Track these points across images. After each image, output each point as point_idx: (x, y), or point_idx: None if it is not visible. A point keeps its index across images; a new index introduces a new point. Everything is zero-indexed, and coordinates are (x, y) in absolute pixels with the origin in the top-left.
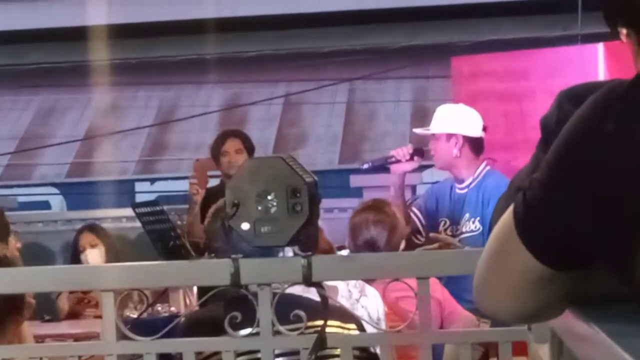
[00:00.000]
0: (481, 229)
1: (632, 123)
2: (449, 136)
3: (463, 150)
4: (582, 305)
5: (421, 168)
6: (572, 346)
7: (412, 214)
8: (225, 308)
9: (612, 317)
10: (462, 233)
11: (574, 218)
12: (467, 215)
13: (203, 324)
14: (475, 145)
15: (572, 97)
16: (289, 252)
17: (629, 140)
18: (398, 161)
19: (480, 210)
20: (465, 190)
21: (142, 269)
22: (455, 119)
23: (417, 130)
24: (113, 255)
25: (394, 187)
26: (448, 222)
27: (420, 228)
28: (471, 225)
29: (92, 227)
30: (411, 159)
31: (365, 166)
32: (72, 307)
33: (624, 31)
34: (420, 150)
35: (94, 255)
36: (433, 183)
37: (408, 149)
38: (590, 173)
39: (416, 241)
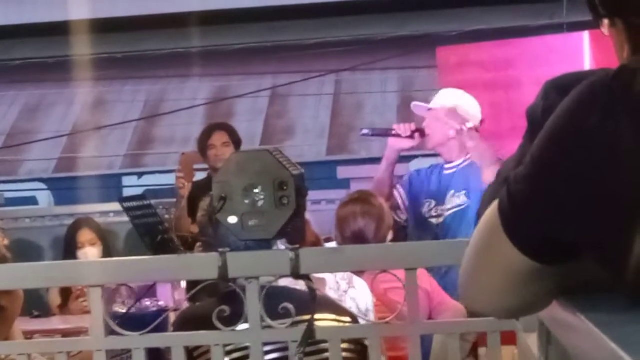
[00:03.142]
0: (467, 201)
1: (616, 116)
2: (450, 112)
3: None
4: (569, 295)
5: (409, 158)
6: (559, 336)
7: (395, 192)
8: (219, 304)
9: (599, 306)
10: (447, 210)
11: (559, 213)
12: (452, 192)
13: (197, 320)
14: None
15: (557, 87)
16: (281, 245)
17: (613, 132)
18: (398, 135)
19: (467, 184)
20: (454, 170)
21: (130, 263)
22: (457, 98)
23: (417, 104)
24: (107, 251)
25: (385, 161)
26: (433, 203)
27: (402, 205)
28: (457, 200)
29: (90, 224)
30: (411, 136)
31: (365, 131)
32: (63, 301)
33: (606, 22)
34: (422, 130)
35: (94, 255)
36: (417, 170)
37: (410, 126)
38: (574, 167)
39: (396, 219)
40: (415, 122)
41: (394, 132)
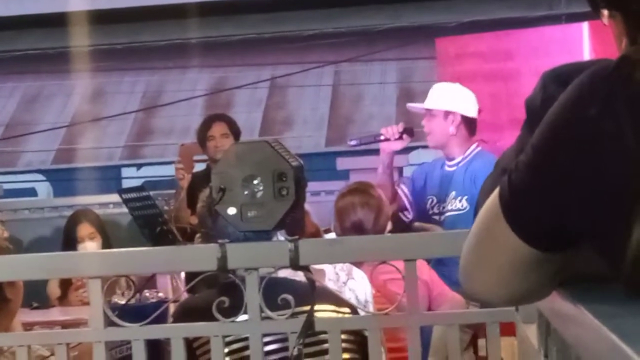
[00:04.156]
0: (468, 207)
1: (617, 106)
2: (447, 114)
3: (459, 130)
4: (568, 286)
5: (408, 150)
6: (558, 327)
7: (399, 191)
8: (218, 295)
9: (599, 297)
10: (447, 211)
11: (560, 201)
12: (453, 193)
13: (197, 311)
14: (470, 126)
15: (556, 78)
16: (280, 236)
17: (613, 123)
18: (387, 139)
19: (468, 189)
20: (454, 168)
21: (130, 255)
22: (454, 97)
23: (413, 105)
24: (107, 244)
25: (382, 165)
26: (435, 200)
27: (408, 205)
28: (457, 204)
29: (89, 217)
30: (400, 137)
31: (353, 142)
32: (63, 292)
33: (605, 13)
34: (410, 130)
35: (93, 249)
36: (420, 164)
37: (398, 127)
38: (575, 157)
39: (404, 218)
40: (412, 115)
41: (382, 137)
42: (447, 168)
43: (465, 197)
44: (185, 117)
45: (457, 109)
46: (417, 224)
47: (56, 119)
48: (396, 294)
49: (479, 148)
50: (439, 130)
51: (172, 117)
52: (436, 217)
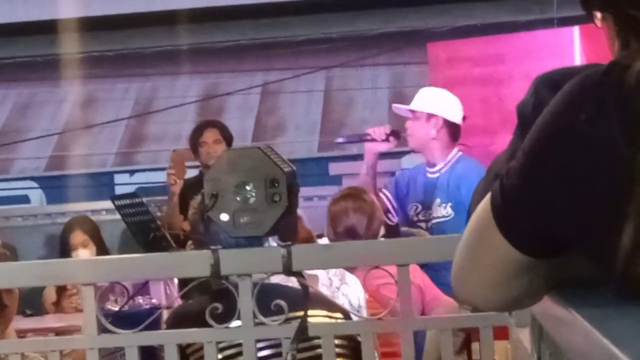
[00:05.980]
0: (453, 214)
1: (607, 111)
2: (429, 116)
3: (440, 133)
4: (561, 290)
5: (400, 154)
6: (551, 330)
7: (381, 195)
8: (211, 301)
9: (590, 301)
10: (433, 218)
11: (551, 208)
12: (438, 200)
13: (190, 318)
14: (453, 131)
15: (548, 82)
16: (273, 242)
17: (604, 128)
18: (373, 140)
19: (452, 195)
20: (437, 175)
21: (123, 261)
22: (438, 101)
23: (397, 106)
24: (102, 250)
25: (366, 166)
26: (420, 207)
27: (391, 208)
28: (442, 211)
29: (83, 225)
30: (387, 139)
31: (340, 140)
32: (58, 299)
33: (598, 15)
34: (397, 132)
35: (86, 256)
36: (403, 170)
37: (385, 129)
38: (565, 163)
39: (388, 222)
40: (403, 120)
41: (368, 137)
42: (429, 175)
43: (450, 203)
44: (177, 124)
45: (440, 112)
46: (404, 228)
47: (49, 126)
48: (389, 298)
49: (460, 153)
50: (420, 132)
51: (164, 124)
52: (422, 224)
